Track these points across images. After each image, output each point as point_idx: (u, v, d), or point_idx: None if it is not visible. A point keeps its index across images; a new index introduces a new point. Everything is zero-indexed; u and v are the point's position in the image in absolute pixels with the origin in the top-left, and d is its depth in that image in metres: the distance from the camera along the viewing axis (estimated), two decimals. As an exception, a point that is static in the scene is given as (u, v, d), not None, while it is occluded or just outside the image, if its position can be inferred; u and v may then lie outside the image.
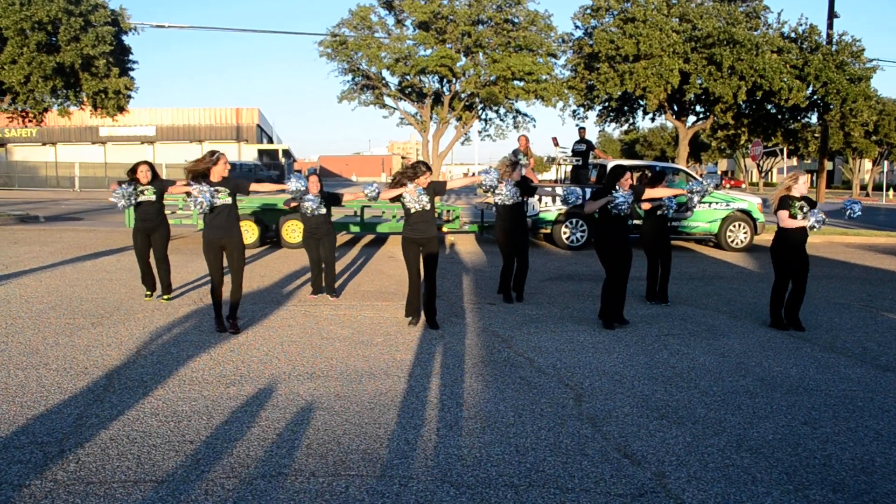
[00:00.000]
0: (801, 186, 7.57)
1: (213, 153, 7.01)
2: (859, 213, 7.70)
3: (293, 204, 8.96)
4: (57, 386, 5.23)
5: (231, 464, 3.94)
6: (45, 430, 4.36)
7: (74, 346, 6.34)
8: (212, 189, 6.79)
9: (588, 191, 15.19)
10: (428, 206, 7.24)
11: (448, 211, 15.56)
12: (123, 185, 8.29)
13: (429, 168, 7.37)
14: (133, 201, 8.24)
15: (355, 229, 14.93)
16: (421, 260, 7.39)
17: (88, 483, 3.67)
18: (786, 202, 7.50)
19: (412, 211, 7.24)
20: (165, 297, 8.59)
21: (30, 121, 20.48)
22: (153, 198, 8.39)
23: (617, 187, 7.51)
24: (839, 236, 19.71)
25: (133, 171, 8.41)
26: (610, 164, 15.96)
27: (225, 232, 6.95)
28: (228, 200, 6.96)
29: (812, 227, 7.50)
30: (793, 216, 7.46)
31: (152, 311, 7.95)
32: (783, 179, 7.81)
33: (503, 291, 9.18)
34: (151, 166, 8.55)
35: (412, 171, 7.28)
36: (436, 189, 7.42)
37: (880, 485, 3.88)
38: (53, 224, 18.88)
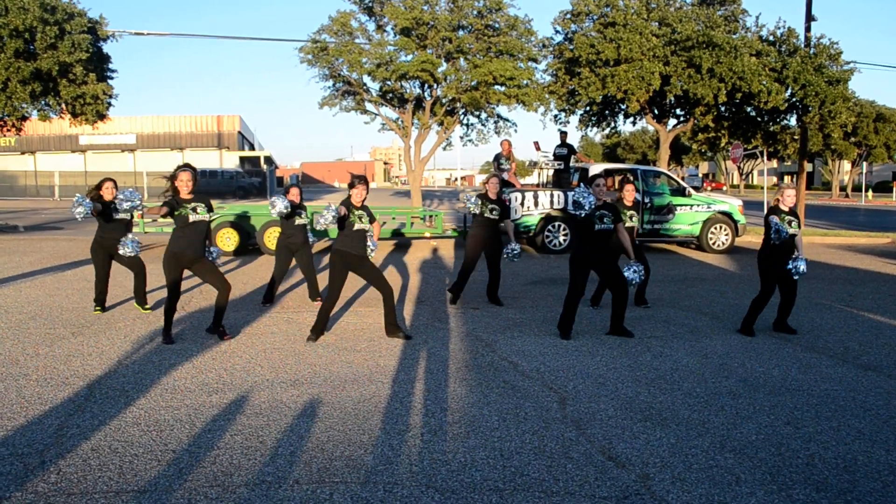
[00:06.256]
0: (788, 200, 7.48)
1: (180, 167, 6.65)
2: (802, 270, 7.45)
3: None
4: (37, 396, 5.16)
5: (214, 472, 3.91)
6: (25, 441, 4.31)
7: (55, 356, 6.27)
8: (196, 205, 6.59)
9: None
10: (366, 226, 6.99)
11: (431, 217, 15.54)
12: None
13: (363, 182, 7.07)
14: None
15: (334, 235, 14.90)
16: (371, 275, 7.15)
17: (70, 494, 3.63)
18: (775, 214, 7.50)
19: (355, 227, 6.91)
20: (147, 307, 8.48)
21: (8, 130, 20.26)
22: (125, 216, 8.23)
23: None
24: (819, 237, 19.93)
25: (98, 187, 8.14)
26: (591, 168, 16.04)
27: (195, 249, 6.72)
28: (207, 217, 6.75)
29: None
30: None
31: (133, 321, 7.88)
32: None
33: (455, 291, 9.15)
34: (115, 183, 8.31)
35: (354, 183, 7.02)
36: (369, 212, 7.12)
37: (863, 483, 3.91)
38: (33, 234, 18.68)
